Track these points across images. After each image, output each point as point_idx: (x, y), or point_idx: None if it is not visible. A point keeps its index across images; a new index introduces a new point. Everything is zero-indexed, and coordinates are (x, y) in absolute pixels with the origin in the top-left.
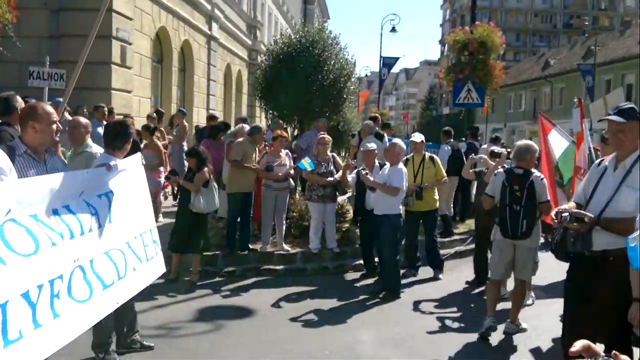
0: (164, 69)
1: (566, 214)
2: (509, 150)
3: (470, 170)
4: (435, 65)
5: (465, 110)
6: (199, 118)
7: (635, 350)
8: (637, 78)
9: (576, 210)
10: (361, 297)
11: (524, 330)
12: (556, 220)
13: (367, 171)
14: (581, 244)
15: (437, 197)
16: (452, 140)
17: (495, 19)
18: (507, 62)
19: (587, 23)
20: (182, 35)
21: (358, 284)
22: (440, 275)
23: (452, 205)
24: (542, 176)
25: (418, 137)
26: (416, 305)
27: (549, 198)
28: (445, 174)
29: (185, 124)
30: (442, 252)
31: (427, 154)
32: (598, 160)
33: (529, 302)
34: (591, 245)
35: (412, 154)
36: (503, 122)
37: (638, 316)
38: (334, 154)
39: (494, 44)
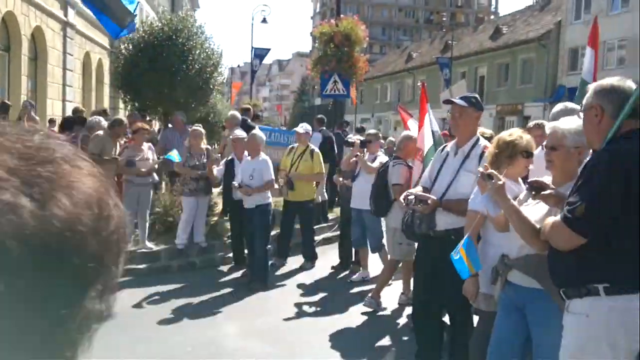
0: (11, 57)
1: (412, 197)
2: (367, 139)
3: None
4: (306, 57)
5: (333, 101)
6: (54, 110)
7: (475, 317)
8: (488, 70)
9: (420, 194)
10: (228, 290)
11: (383, 308)
12: (404, 203)
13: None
14: (426, 225)
15: (313, 188)
16: (324, 128)
17: (362, 13)
18: (374, 55)
19: (445, 19)
20: (33, 21)
21: (226, 278)
22: (310, 267)
23: (324, 191)
24: (398, 162)
25: (301, 128)
26: (284, 294)
27: (398, 181)
28: (322, 169)
29: (36, 117)
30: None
31: (311, 147)
32: (442, 146)
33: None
34: (435, 226)
35: (297, 144)
36: (371, 113)
37: (471, 290)
38: (208, 146)
39: (358, 37)
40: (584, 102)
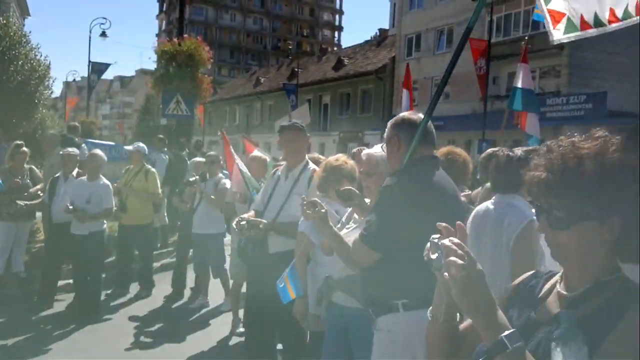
0: None
1: (244, 222)
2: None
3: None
4: (151, 75)
5: (176, 121)
6: None
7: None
8: (331, 98)
9: (252, 219)
10: (52, 325)
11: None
12: (237, 229)
13: None
14: (259, 249)
15: (150, 211)
16: (165, 149)
17: (210, 35)
18: (222, 78)
19: (291, 47)
20: None
21: (50, 312)
22: (148, 293)
23: (164, 215)
24: None
25: (135, 147)
26: (116, 326)
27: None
28: (158, 190)
29: None
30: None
31: (147, 167)
32: (273, 170)
33: (226, 307)
34: (267, 249)
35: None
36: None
37: (301, 310)
38: (32, 166)
39: (201, 58)
40: (385, 134)
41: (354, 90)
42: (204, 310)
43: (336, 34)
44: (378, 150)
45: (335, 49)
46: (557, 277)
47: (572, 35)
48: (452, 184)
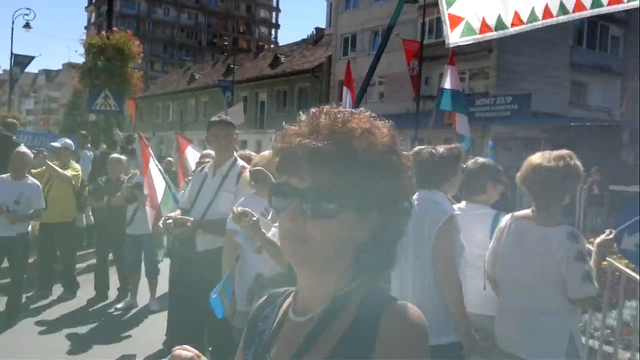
0: None
1: (170, 220)
2: None
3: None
4: (79, 69)
5: (104, 117)
6: None
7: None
8: (268, 96)
9: (179, 217)
10: None
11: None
12: (163, 228)
13: None
14: (186, 247)
15: (71, 208)
16: (89, 145)
17: (142, 29)
18: (155, 73)
19: (226, 43)
20: None
21: None
22: (71, 296)
23: (90, 214)
24: None
25: (60, 142)
26: (35, 331)
27: None
28: (78, 180)
29: None
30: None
31: (72, 163)
32: (200, 167)
33: (154, 307)
34: (196, 247)
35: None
36: (152, 131)
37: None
38: None
39: (131, 52)
40: None
41: (290, 88)
42: (133, 311)
43: (273, 31)
44: None
45: (272, 46)
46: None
47: (470, 39)
48: None
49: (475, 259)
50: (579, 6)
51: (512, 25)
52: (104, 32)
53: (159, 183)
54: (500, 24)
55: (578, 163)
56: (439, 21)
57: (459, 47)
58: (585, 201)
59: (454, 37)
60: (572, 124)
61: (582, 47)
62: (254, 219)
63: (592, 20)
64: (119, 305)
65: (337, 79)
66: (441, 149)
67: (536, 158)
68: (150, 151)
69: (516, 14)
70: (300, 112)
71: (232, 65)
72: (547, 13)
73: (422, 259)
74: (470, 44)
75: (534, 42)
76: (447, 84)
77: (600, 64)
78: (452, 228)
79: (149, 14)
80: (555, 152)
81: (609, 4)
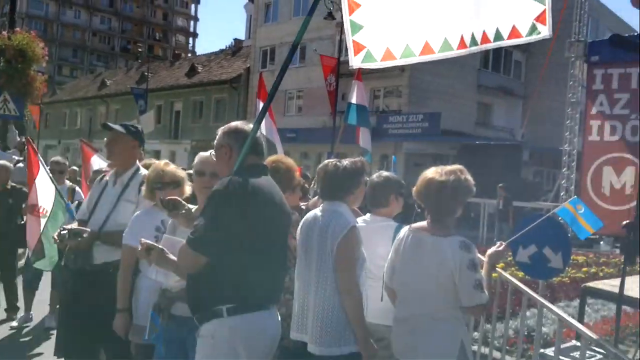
0: None
1: (65, 231)
2: None
3: None
4: None
5: (1, 121)
6: None
7: None
8: (183, 106)
9: (75, 227)
10: None
11: None
12: (57, 240)
13: None
14: (82, 259)
15: None
16: None
17: (49, 31)
18: (63, 78)
19: (141, 50)
20: None
21: None
22: None
23: None
24: None
25: None
26: None
27: None
28: None
29: None
30: None
31: None
32: (100, 176)
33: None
34: (93, 260)
35: None
36: (57, 139)
37: (119, 326)
38: None
39: (35, 55)
40: (215, 142)
41: (207, 99)
42: (28, 327)
43: (190, 40)
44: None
45: (189, 55)
46: None
47: (372, 65)
48: (279, 190)
49: (377, 270)
50: (484, 39)
51: (421, 54)
52: (5, 33)
53: (48, 193)
54: (407, 53)
55: (469, 177)
56: None
57: None
58: (495, 216)
59: (356, 62)
60: (477, 142)
61: (488, 70)
62: (159, 249)
63: None
64: (14, 323)
65: (255, 92)
66: (345, 162)
67: (429, 173)
68: (40, 158)
69: (427, 44)
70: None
71: (146, 73)
72: (461, 44)
73: (325, 269)
74: None
75: (444, 63)
76: (354, 99)
77: (504, 86)
78: (354, 239)
79: (57, 15)
80: (448, 167)
81: (509, 37)
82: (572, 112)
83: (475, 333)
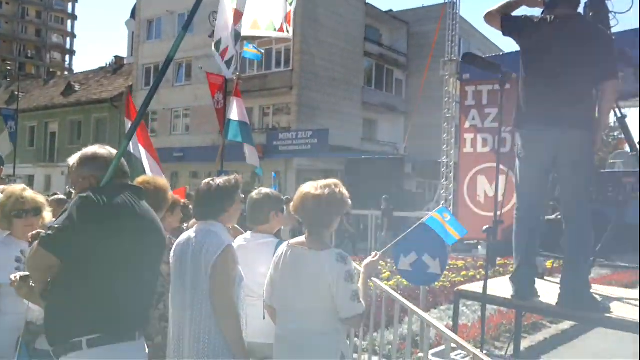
0: None
1: None
2: None
3: None
4: None
5: None
6: None
7: None
8: (59, 126)
9: None
10: None
11: None
12: None
13: None
14: None
15: None
16: None
17: None
18: None
19: (10, 68)
20: None
21: None
22: None
23: None
24: None
25: None
26: None
27: None
28: None
29: None
30: None
31: None
32: None
33: None
34: None
35: None
36: None
37: None
38: None
39: None
40: (72, 173)
41: (86, 118)
42: None
43: (67, 57)
44: None
45: (65, 73)
46: None
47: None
48: (150, 211)
49: (258, 288)
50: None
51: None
52: None
53: None
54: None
55: (344, 191)
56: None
57: (263, 83)
58: (380, 227)
59: (229, 72)
60: (363, 157)
61: (372, 87)
62: (26, 283)
63: (379, 64)
64: None
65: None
66: (219, 180)
67: (305, 187)
68: None
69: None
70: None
71: (16, 92)
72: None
73: (200, 292)
74: (273, 80)
75: (331, 81)
76: (234, 115)
77: (387, 103)
78: (229, 258)
79: None
80: (323, 181)
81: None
82: (448, 127)
83: (364, 343)
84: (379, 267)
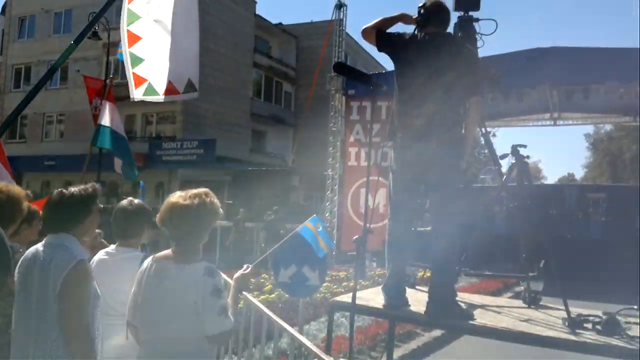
0: None
1: None
2: None
3: None
4: None
5: None
6: None
7: None
8: None
9: None
10: None
11: None
12: None
13: None
14: None
15: None
16: None
17: None
18: None
19: None
20: None
21: None
22: None
23: None
24: None
25: None
26: None
27: None
28: None
29: None
30: None
31: None
32: None
33: None
34: None
35: None
36: None
37: None
38: None
39: None
40: None
41: None
42: None
43: None
44: None
45: None
46: None
47: (154, 98)
48: None
49: (121, 306)
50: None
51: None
52: None
53: None
54: (188, 87)
55: (215, 200)
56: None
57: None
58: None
59: (138, 94)
60: (249, 168)
61: (261, 99)
62: None
63: (268, 76)
64: None
65: (7, 114)
66: (73, 188)
67: (173, 197)
68: None
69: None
70: None
71: None
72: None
73: (47, 313)
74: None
75: (219, 90)
76: (105, 121)
77: (276, 115)
78: (82, 275)
79: None
80: (193, 191)
81: (164, 93)
82: (334, 140)
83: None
84: (262, 280)
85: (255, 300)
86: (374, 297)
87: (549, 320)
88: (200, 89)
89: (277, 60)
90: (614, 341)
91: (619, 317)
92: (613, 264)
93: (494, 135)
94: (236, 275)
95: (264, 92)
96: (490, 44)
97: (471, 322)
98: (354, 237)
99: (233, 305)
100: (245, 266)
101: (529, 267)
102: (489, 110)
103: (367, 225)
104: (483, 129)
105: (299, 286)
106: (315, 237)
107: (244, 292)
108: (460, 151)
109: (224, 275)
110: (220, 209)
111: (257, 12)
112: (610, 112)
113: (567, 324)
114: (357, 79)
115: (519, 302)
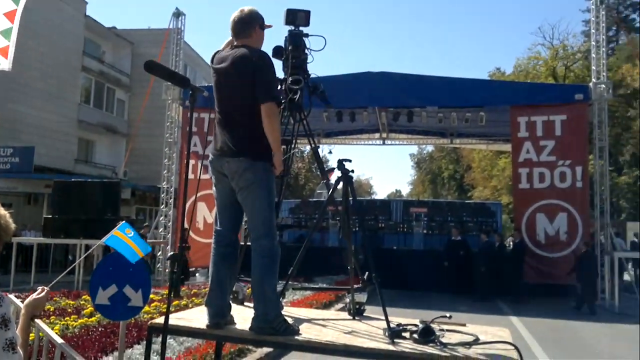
0: None
1: None
2: None
3: None
4: None
5: None
6: None
7: None
8: None
9: None
10: None
11: None
12: None
13: None
14: None
15: None
16: None
17: None
18: None
19: None
20: None
21: None
22: None
23: None
24: None
25: None
26: None
27: None
28: None
29: None
30: None
31: None
32: None
33: None
34: None
35: None
36: None
37: None
38: None
39: None
40: None
41: None
42: None
43: None
44: None
45: None
46: None
47: None
48: None
49: None
50: None
51: None
52: None
53: None
54: None
55: (9, 221)
56: None
57: None
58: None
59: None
60: (73, 179)
61: (90, 105)
62: None
63: (99, 81)
64: None
65: None
66: None
67: None
68: None
69: None
70: None
71: None
72: None
73: None
74: None
75: (41, 94)
76: None
77: (107, 123)
78: None
79: None
80: None
81: None
82: (170, 152)
83: None
84: (82, 302)
85: (47, 329)
86: (199, 316)
87: (371, 331)
88: (16, 90)
89: (110, 65)
90: (429, 349)
91: (433, 325)
92: (432, 273)
93: (330, 152)
94: (27, 301)
95: (93, 98)
96: (318, 59)
97: (296, 337)
98: (169, 254)
99: (23, 336)
100: (40, 288)
101: (353, 279)
102: (325, 128)
103: (184, 244)
104: (313, 144)
105: (119, 308)
106: (127, 243)
107: (36, 320)
108: (273, 162)
109: (16, 300)
110: (12, 224)
111: (87, 13)
112: (431, 134)
113: (387, 334)
114: (170, 80)
115: (345, 314)
